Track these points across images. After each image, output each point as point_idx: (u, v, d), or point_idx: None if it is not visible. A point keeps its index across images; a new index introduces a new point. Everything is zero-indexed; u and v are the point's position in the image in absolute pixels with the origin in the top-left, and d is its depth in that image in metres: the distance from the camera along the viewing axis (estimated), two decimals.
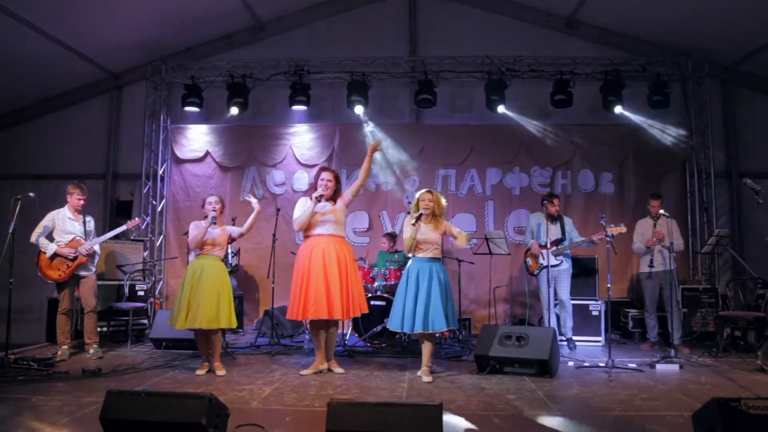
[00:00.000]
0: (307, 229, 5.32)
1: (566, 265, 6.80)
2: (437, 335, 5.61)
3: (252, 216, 5.56)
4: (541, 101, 8.61)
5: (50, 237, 6.02)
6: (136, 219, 6.66)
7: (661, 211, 6.53)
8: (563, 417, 3.95)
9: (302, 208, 5.31)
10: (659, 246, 6.69)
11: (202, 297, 5.09)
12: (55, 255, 5.92)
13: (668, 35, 8.42)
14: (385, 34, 8.95)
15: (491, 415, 3.96)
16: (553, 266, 6.65)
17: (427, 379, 5.03)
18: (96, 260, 6.32)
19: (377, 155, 8.54)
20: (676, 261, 6.83)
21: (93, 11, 7.47)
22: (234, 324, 5.29)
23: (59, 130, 9.24)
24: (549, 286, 6.59)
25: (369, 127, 8.72)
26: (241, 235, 5.64)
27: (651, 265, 6.57)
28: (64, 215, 6.09)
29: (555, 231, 6.77)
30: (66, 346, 5.99)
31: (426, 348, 5.18)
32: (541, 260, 6.76)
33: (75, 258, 5.96)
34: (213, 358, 5.31)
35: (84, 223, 6.18)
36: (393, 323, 5.19)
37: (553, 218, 6.79)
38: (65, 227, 6.04)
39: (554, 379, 5.12)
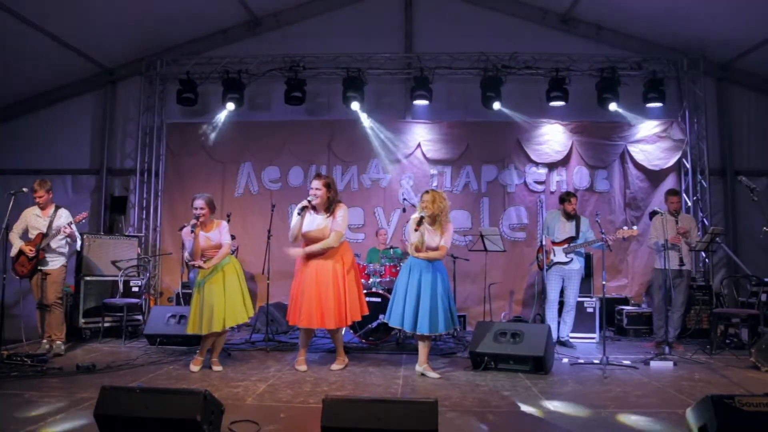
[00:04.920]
0: (305, 239, 5.27)
1: (578, 265, 6.75)
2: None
3: (219, 254, 5.22)
4: (537, 98, 8.60)
5: (26, 235, 6.02)
6: (84, 213, 6.25)
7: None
8: (557, 413, 3.97)
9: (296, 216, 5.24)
10: (683, 243, 6.61)
11: (213, 301, 5.10)
12: (19, 253, 5.91)
13: (664, 33, 8.43)
14: (380, 30, 8.92)
15: (486, 411, 3.96)
16: (563, 263, 6.67)
17: (433, 374, 5.05)
18: (68, 251, 6.20)
19: (380, 149, 8.63)
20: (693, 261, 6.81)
21: (87, 6, 7.41)
22: (248, 314, 5.27)
23: (53, 126, 9.17)
24: (556, 284, 6.69)
25: (367, 123, 8.71)
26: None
27: (681, 263, 6.44)
28: (32, 212, 6.08)
29: (569, 229, 6.77)
30: (45, 340, 5.99)
31: (423, 347, 5.17)
32: (552, 257, 6.77)
33: (34, 257, 5.91)
34: (213, 355, 5.31)
35: (54, 217, 6.06)
36: (394, 320, 5.15)
37: (569, 216, 6.81)
38: (32, 223, 6.03)
39: (549, 375, 5.13)
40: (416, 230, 5.01)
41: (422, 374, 5.11)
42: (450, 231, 5.20)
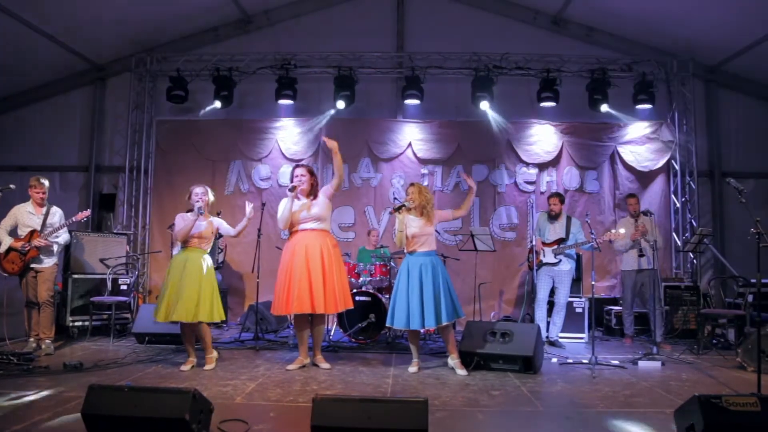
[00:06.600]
0: (292, 225, 5.31)
1: (568, 266, 6.76)
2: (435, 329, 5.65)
3: (244, 221, 5.38)
4: (528, 99, 8.64)
5: (15, 231, 5.95)
6: (87, 211, 6.21)
7: (642, 209, 6.84)
8: (547, 413, 3.98)
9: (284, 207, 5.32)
10: (644, 243, 6.76)
11: (183, 290, 5.06)
12: (9, 249, 5.84)
13: (654, 35, 8.50)
14: (372, 29, 8.92)
15: (476, 410, 3.97)
16: (551, 265, 6.70)
17: (462, 372, 5.07)
18: (56, 250, 6.13)
19: (370, 148, 8.75)
20: (660, 259, 6.94)
21: (76, 1, 7.35)
22: (217, 318, 5.21)
23: (41, 122, 9.11)
24: (545, 284, 6.72)
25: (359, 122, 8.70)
26: (230, 236, 5.51)
27: (641, 254, 6.51)
28: (25, 209, 6.02)
29: (558, 230, 6.79)
30: (32, 339, 5.93)
31: (448, 337, 5.22)
32: (541, 257, 6.78)
33: (27, 252, 5.86)
34: (205, 352, 5.28)
35: (47, 215, 6.04)
36: (398, 321, 5.12)
37: (552, 217, 6.83)
38: (25, 221, 5.96)
39: (538, 375, 5.14)
40: (391, 213, 5.07)
41: (452, 368, 5.19)
42: (441, 211, 5.51)
